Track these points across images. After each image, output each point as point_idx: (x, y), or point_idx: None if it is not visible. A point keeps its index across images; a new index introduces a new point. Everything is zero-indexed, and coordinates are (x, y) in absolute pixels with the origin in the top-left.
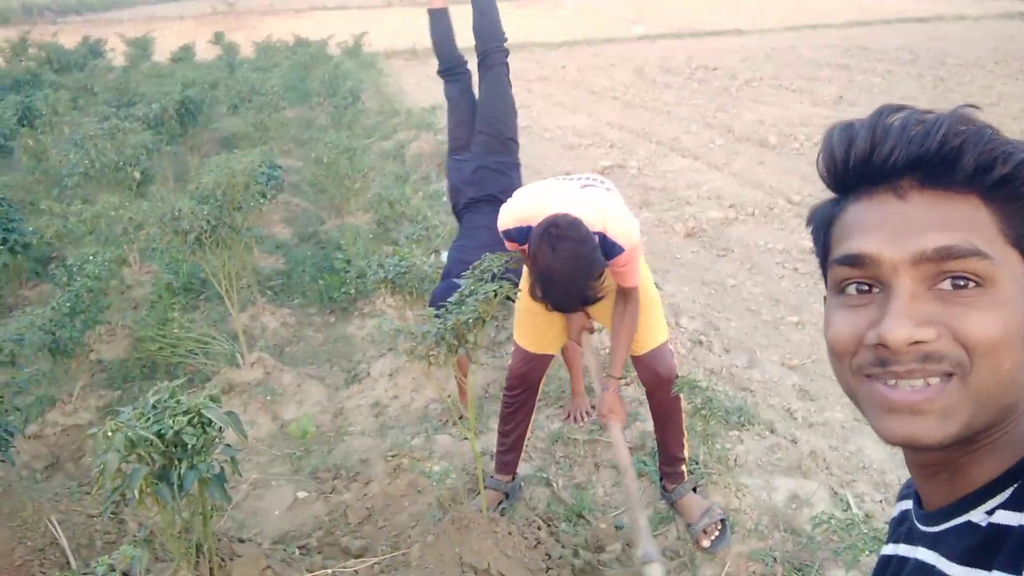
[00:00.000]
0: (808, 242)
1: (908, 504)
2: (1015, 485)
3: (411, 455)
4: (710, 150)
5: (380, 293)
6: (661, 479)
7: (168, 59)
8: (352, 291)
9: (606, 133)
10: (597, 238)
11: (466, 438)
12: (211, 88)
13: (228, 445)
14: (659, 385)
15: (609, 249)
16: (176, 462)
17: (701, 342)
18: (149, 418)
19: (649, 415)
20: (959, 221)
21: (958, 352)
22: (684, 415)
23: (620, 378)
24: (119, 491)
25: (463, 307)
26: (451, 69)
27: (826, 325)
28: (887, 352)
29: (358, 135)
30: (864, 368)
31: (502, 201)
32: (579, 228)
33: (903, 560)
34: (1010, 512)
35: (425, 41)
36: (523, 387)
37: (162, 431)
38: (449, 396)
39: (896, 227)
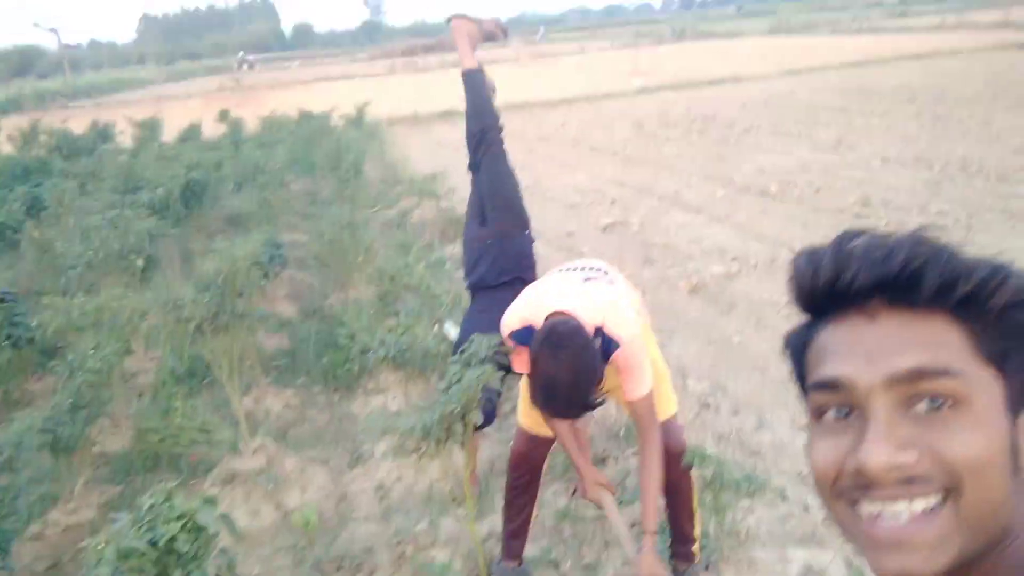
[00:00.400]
0: None
1: None
2: None
3: (415, 542)
4: (711, 203)
5: (383, 370)
6: (672, 558)
7: (176, 138)
8: (355, 368)
9: (607, 190)
10: (595, 331)
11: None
12: (216, 168)
13: (223, 550)
14: (669, 461)
15: (607, 345)
16: (171, 570)
17: (709, 404)
18: (143, 525)
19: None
20: (930, 340)
21: (943, 474)
22: (694, 491)
23: (655, 532)
24: None
25: (448, 396)
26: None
27: (808, 452)
28: (868, 479)
29: (361, 206)
30: (847, 493)
31: (523, 280)
32: (580, 334)
33: None
34: None
35: (425, 107)
36: (526, 468)
37: (155, 539)
38: (450, 481)
39: (868, 349)
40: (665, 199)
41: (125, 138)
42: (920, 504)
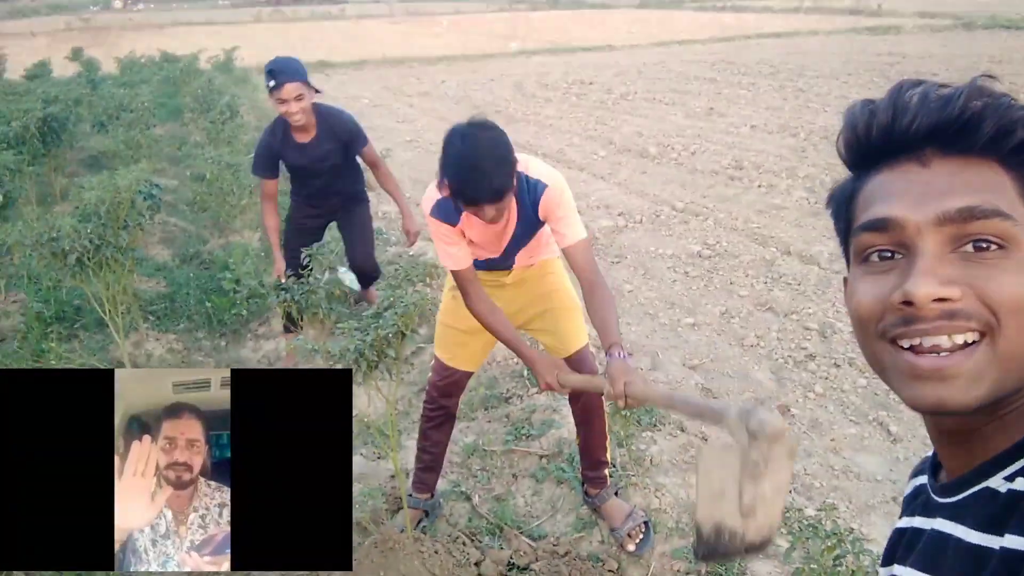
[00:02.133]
0: (695, 246)
1: (922, 479)
2: None
3: None
4: (594, 161)
5: (275, 313)
6: (583, 484)
7: (22, 76)
8: (244, 312)
9: None
10: (517, 175)
11: (379, 456)
12: (75, 105)
13: None
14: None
15: (533, 188)
16: None
17: None
18: None
19: (568, 420)
20: (981, 184)
21: (984, 312)
22: (607, 416)
23: (618, 343)
24: None
25: (382, 320)
26: None
27: (849, 296)
28: (913, 310)
29: (239, 151)
30: (890, 331)
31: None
32: (495, 126)
33: (918, 531)
34: None
35: (298, 56)
36: (444, 402)
37: None
38: (366, 419)
39: (919, 191)
40: (549, 156)
41: None
42: (960, 338)
